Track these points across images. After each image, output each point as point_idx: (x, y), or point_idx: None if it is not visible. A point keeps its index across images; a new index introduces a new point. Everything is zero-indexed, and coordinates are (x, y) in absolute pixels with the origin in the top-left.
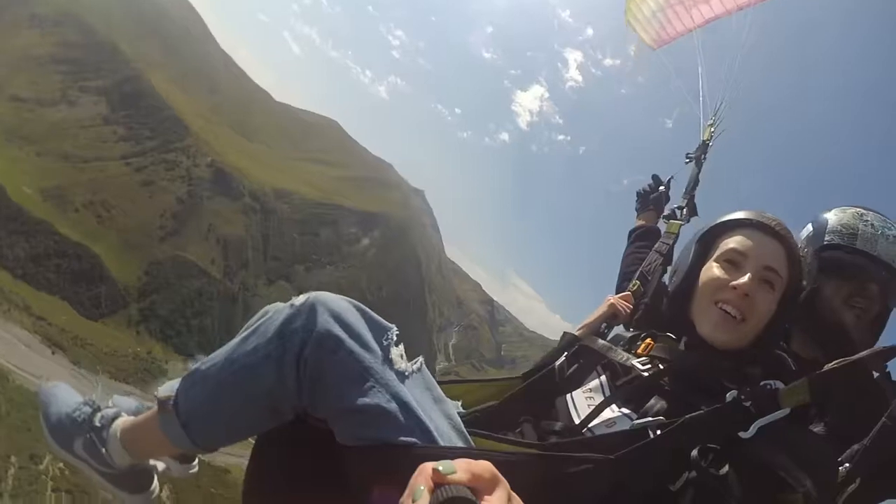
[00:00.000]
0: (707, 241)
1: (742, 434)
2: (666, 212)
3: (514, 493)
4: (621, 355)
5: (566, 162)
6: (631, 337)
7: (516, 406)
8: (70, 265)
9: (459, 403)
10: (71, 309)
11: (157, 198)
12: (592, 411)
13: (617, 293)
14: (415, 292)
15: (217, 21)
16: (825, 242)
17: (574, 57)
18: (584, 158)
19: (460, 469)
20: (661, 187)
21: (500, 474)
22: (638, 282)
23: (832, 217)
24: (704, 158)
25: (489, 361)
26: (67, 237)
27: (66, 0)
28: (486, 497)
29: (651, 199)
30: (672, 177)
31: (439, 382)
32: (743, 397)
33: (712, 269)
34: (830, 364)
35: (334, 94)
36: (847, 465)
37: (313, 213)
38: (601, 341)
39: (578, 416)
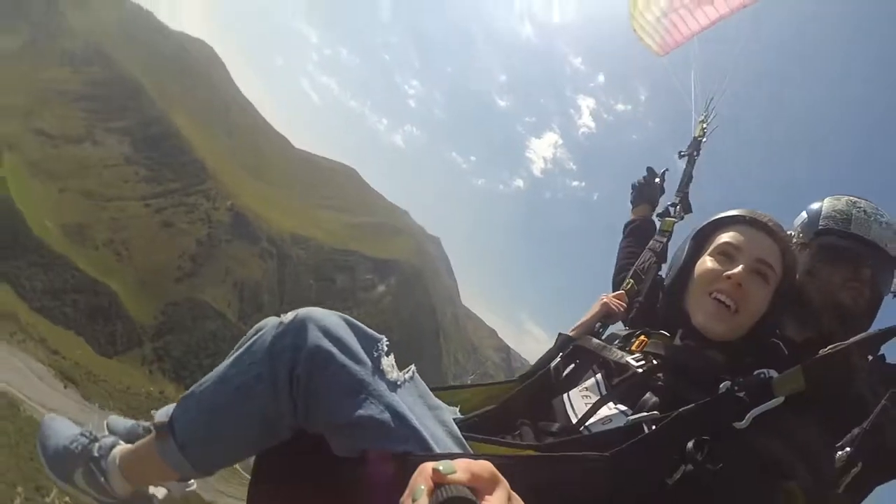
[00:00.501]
0: (701, 238)
1: (737, 424)
2: (660, 209)
3: (514, 493)
4: (616, 353)
5: (581, 207)
6: (626, 335)
7: (514, 409)
8: (87, 301)
9: (457, 409)
10: (86, 344)
11: (176, 239)
12: (589, 410)
13: (613, 289)
14: (429, 339)
15: (239, 68)
16: (820, 227)
17: (586, 103)
18: (598, 204)
19: (460, 469)
20: (657, 180)
21: (499, 474)
22: (632, 280)
23: (826, 204)
24: (697, 155)
25: None
26: (86, 273)
27: (96, 38)
28: (486, 497)
29: (646, 192)
30: (667, 169)
31: (436, 389)
32: (736, 388)
33: (706, 262)
34: (824, 350)
35: (352, 142)
36: (848, 449)
37: (329, 259)
38: (595, 341)
39: (576, 415)
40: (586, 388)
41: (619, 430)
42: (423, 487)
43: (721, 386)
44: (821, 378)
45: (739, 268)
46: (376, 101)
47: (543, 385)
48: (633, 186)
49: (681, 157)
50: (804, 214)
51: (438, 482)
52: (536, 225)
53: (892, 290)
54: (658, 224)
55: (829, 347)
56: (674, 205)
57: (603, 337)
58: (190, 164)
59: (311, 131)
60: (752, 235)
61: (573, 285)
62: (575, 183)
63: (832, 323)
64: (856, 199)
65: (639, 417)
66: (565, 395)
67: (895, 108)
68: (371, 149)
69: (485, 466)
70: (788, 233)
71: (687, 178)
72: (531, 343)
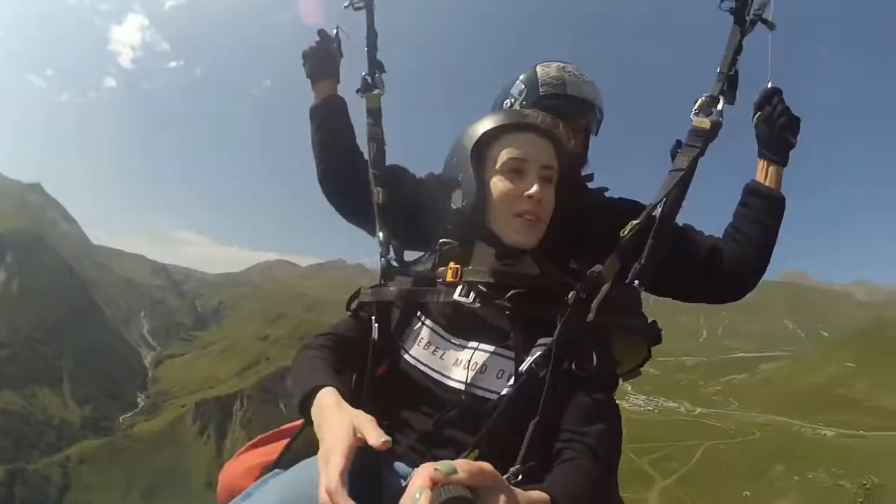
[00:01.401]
0: (480, 150)
1: (589, 318)
2: (343, 78)
3: (517, 489)
4: (436, 293)
5: (185, 88)
6: (431, 268)
7: (375, 405)
8: None
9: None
10: None
11: None
12: (469, 370)
13: (333, 197)
14: (82, 301)
15: None
16: (542, 93)
17: None
18: (203, 79)
19: (460, 469)
20: (333, 44)
21: (500, 475)
22: (380, 189)
23: (541, 71)
24: (373, 2)
25: (193, 326)
26: None
27: None
28: (486, 498)
29: (324, 63)
30: (339, 27)
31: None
32: (582, 295)
33: (501, 184)
34: (628, 231)
35: None
36: (637, 281)
37: None
38: (395, 289)
39: (443, 375)
40: (427, 343)
41: (523, 387)
42: (421, 490)
43: (569, 297)
44: (630, 255)
45: (535, 187)
46: None
47: (373, 362)
48: (305, 57)
49: (356, 8)
50: (521, 85)
51: (438, 483)
52: (145, 121)
53: (596, 131)
54: (364, 102)
55: (628, 229)
56: (369, 74)
57: (393, 279)
58: None
59: None
60: (531, 142)
61: (203, 172)
62: (173, 64)
63: (572, 169)
64: (563, 63)
65: (528, 365)
66: (409, 359)
67: None
68: None
69: (484, 467)
70: (506, 103)
71: (371, 34)
72: (187, 249)
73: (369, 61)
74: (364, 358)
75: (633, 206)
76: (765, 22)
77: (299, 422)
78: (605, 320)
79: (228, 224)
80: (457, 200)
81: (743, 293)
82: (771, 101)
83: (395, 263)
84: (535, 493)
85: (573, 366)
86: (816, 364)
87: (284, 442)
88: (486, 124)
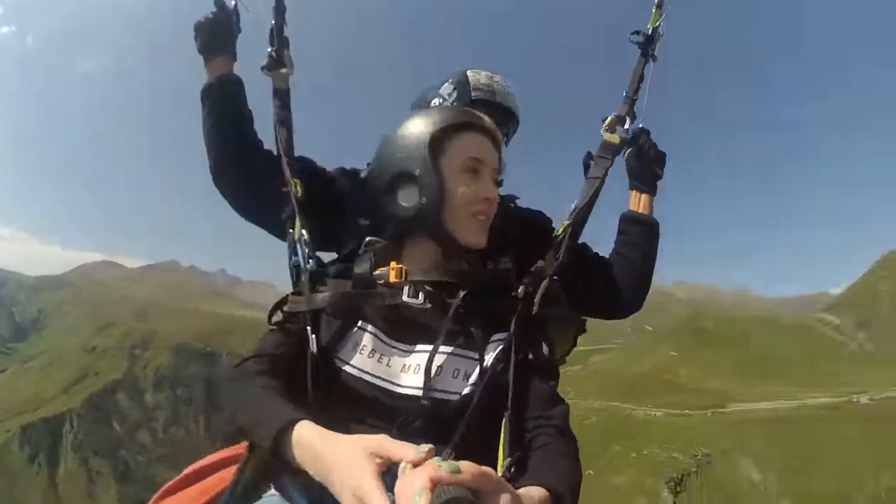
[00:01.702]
0: (435, 146)
1: (534, 311)
2: (240, 56)
3: (519, 492)
4: (380, 296)
5: (15, 57)
6: (369, 271)
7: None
8: None
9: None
10: None
11: None
12: (429, 374)
13: (224, 191)
14: None
15: None
16: (474, 97)
17: None
18: (35, 50)
19: (463, 469)
20: (232, 17)
21: (501, 478)
22: (296, 180)
23: (471, 76)
24: None
25: (11, 338)
26: None
27: None
28: (487, 500)
29: (220, 36)
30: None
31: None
32: (530, 289)
33: (462, 183)
34: (561, 230)
35: None
36: (556, 277)
37: None
38: (325, 294)
39: (391, 382)
40: (372, 350)
41: (489, 383)
42: (420, 491)
43: (519, 290)
44: (559, 252)
45: (494, 190)
46: None
47: (314, 378)
48: (198, 30)
49: None
50: (451, 86)
51: (440, 482)
52: None
53: (508, 141)
54: (273, 83)
55: (561, 229)
56: (276, 50)
57: (324, 284)
58: None
59: None
60: (484, 145)
61: (25, 157)
62: (4, 29)
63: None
64: (491, 73)
65: (491, 361)
66: (350, 370)
67: None
68: None
69: (486, 470)
70: (435, 102)
71: (280, 6)
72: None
73: (276, 36)
74: (300, 375)
75: (542, 216)
76: (653, 56)
77: (219, 456)
78: (547, 312)
79: (49, 219)
80: (411, 197)
81: (629, 312)
82: (640, 139)
83: (314, 266)
84: (535, 491)
85: (529, 356)
86: (643, 354)
87: (206, 485)
88: (442, 119)
